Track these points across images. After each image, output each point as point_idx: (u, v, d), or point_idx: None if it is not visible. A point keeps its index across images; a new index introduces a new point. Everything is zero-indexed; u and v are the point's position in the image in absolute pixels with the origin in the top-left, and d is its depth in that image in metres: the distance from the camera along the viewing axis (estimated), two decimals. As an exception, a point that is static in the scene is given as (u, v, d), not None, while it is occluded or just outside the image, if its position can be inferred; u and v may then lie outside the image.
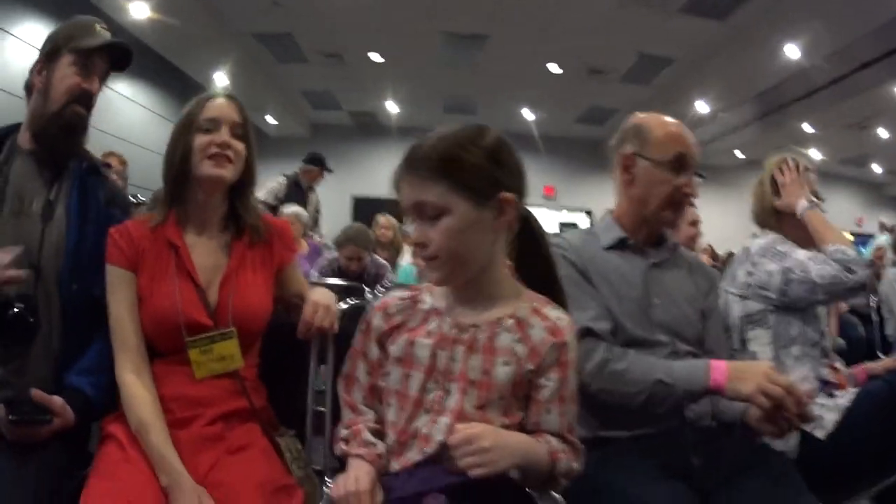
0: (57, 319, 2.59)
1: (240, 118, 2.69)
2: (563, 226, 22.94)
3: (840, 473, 2.96)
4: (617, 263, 2.83)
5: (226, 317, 2.56)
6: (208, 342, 2.51)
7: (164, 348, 2.54)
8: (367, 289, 5.84)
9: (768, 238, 3.45)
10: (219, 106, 2.67)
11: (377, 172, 22.24)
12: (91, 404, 2.49)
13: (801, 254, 3.31)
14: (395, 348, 2.09)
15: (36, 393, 2.30)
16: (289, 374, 2.78)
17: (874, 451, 2.97)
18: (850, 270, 3.17)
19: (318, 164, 9.95)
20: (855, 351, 7.37)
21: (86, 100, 2.75)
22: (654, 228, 2.92)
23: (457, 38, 14.59)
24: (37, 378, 2.47)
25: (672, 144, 2.83)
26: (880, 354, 7.24)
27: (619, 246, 2.89)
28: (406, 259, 7.85)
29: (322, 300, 2.71)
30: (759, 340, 3.32)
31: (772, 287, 3.33)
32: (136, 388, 2.42)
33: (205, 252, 2.64)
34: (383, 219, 9.05)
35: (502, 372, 2.00)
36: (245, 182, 2.74)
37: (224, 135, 2.61)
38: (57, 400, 2.36)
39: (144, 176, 5.70)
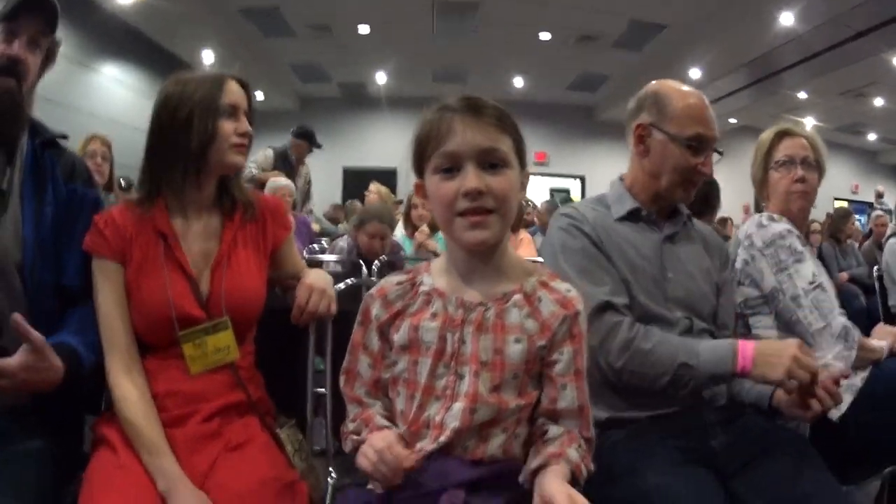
0: (24, 311, 2.28)
1: (248, 105, 2.62)
2: (554, 191, 22.99)
3: (852, 454, 2.90)
4: (630, 236, 2.73)
5: (219, 306, 2.46)
6: (202, 335, 2.41)
7: (155, 342, 2.43)
8: (363, 267, 5.69)
9: (775, 228, 3.29)
10: (237, 91, 2.56)
11: (367, 144, 22.36)
12: (78, 355, 2.30)
13: (806, 274, 3.20)
14: (398, 336, 2.01)
15: (16, 318, 2.07)
16: (286, 359, 2.72)
17: (887, 432, 2.91)
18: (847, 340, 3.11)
19: (306, 139, 9.74)
20: (856, 322, 7.35)
21: (13, 68, 2.38)
22: (666, 202, 2.82)
23: (448, 6, 14.54)
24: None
25: (691, 122, 2.71)
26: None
27: (632, 217, 2.79)
28: (399, 231, 7.77)
29: (317, 283, 2.64)
30: (762, 324, 3.25)
31: (761, 288, 3.27)
32: (128, 390, 2.31)
33: (195, 238, 2.52)
34: (373, 185, 8.97)
35: (515, 350, 1.94)
36: None
37: (245, 124, 2.55)
38: (36, 334, 2.09)
39: (133, 156, 5.65)
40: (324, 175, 17.73)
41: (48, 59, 2.54)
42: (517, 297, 1.99)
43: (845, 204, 21.66)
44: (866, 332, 6.16)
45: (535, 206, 12.54)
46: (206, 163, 2.47)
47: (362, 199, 10.23)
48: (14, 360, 2.08)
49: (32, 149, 2.50)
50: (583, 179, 23.65)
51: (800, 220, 3.48)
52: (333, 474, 2.69)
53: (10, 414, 2.21)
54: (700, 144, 2.71)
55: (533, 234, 9.74)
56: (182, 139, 2.43)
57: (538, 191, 22.32)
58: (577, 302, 2.01)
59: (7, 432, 2.19)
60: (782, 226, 3.28)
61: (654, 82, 2.90)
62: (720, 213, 14.26)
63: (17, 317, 2.08)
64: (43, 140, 2.54)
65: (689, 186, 2.77)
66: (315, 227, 10.19)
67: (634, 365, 2.45)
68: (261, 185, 8.17)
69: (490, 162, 1.90)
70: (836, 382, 2.43)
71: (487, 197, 1.87)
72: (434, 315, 1.99)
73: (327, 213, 16.51)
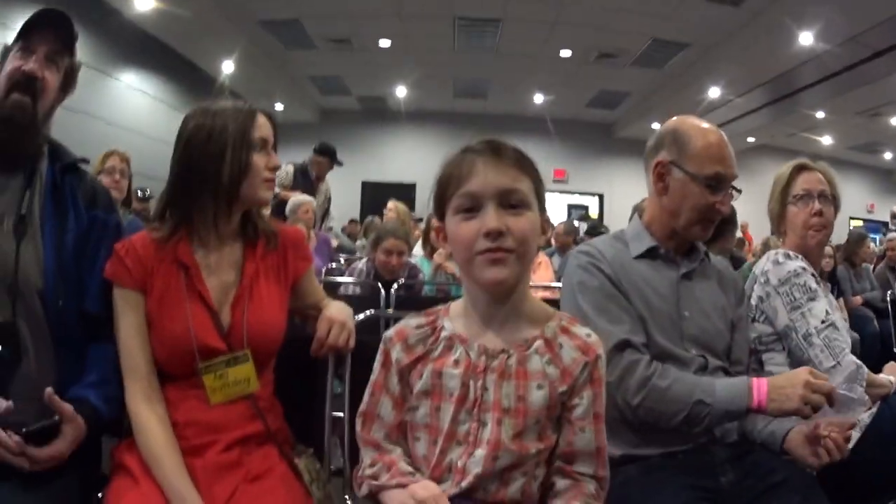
0: (48, 341, 2.37)
1: (274, 139, 2.61)
2: (572, 207, 23.04)
3: (859, 489, 2.90)
4: (647, 274, 2.75)
5: (240, 338, 2.45)
6: (222, 366, 2.41)
7: (175, 372, 2.42)
8: (382, 294, 5.64)
9: (791, 266, 3.30)
10: (266, 126, 2.56)
11: (386, 157, 22.42)
12: (99, 414, 2.32)
13: (818, 312, 3.18)
14: (421, 381, 2.02)
15: (49, 393, 2.15)
16: (304, 387, 2.74)
17: (890, 469, 2.90)
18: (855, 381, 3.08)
19: (327, 156, 9.64)
20: (869, 346, 7.32)
21: (28, 86, 2.39)
22: (683, 240, 2.83)
23: (469, 21, 14.58)
24: (40, 403, 2.24)
25: (711, 161, 2.72)
26: (896, 351, 7.19)
27: (650, 255, 2.81)
28: (418, 251, 7.74)
29: (337, 316, 2.64)
30: (775, 361, 3.24)
31: (774, 325, 3.26)
32: (149, 419, 2.30)
33: (216, 269, 2.51)
34: (391, 203, 8.97)
35: (537, 396, 1.95)
36: None
37: (275, 158, 2.57)
38: (67, 406, 2.19)
39: (153, 166, 5.63)
40: (343, 189, 17.74)
41: (67, 81, 2.53)
42: (538, 343, 2.00)
43: (861, 223, 21.63)
44: (879, 355, 6.09)
45: (552, 225, 12.54)
46: (237, 196, 2.46)
47: (382, 215, 10.20)
48: (66, 443, 2.19)
49: (53, 174, 2.49)
50: (601, 197, 23.65)
51: (816, 254, 3.50)
52: (348, 500, 2.69)
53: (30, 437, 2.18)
54: (719, 183, 2.73)
55: (550, 255, 9.70)
56: (214, 172, 2.41)
57: (557, 208, 22.36)
58: (598, 347, 2.02)
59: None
60: (797, 263, 3.29)
61: (674, 119, 2.90)
62: (738, 235, 14.29)
63: (50, 391, 2.15)
64: (63, 165, 2.52)
65: (707, 225, 2.79)
66: (334, 241, 10.17)
67: (652, 402, 2.48)
68: (282, 203, 8.15)
69: (510, 203, 1.91)
70: (847, 439, 2.50)
71: (507, 237, 1.87)
72: (457, 362, 2.00)
73: (345, 228, 16.57)
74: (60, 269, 2.40)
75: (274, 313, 2.56)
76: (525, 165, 1.97)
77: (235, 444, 2.36)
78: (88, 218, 2.51)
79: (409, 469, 1.99)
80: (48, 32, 2.43)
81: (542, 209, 2.00)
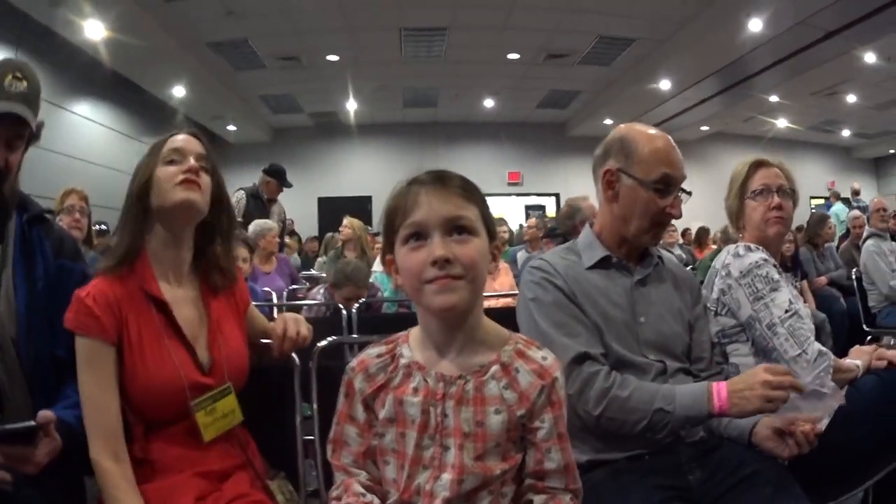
0: (22, 385, 2.38)
1: (204, 151, 2.57)
2: (529, 208, 23.06)
3: (831, 473, 2.94)
4: (601, 283, 2.78)
5: (222, 372, 2.47)
6: (211, 402, 2.41)
7: (161, 416, 2.39)
8: (344, 317, 5.66)
9: (751, 258, 3.29)
10: (183, 139, 2.55)
11: (341, 172, 22.38)
12: (72, 430, 2.27)
13: (781, 302, 3.19)
14: (384, 410, 2.04)
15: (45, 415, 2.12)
16: (271, 415, 2.76)
17: (864, 447, 2.95)
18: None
19: (276, 178, 9.61)
20: (838, 324, 7.42)
21: None
22: (634, 246, 2.87)
23: (415, 31, 14.61)
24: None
25: (658, 164, 2.77)
26: (865, 327, 7.28)
27: (602, 264, 2.84)
28: (377, 267, 7.76)
29: (288, 315, 2.70)
30: (739, 352, 3.29)
31: (738, 317, 3.29)
32: (117, 478, 2.24)
33: (182, 304, 2.50)
34: (346, 220, 8.97)
35: (495, 421, 1.97)
36: (220, 222, 2.63)
37: (189, 162, 2.49)
38: (46, 411, 2.14)
39: (108, 196, 5.64)
40: (299, 206, 17.75)
41: (31, 141, 2.57)
42: (495, 368, 2.01)
43: (822, 201, 21.79)
44: (848, 334, 6.14)
45: (510, 230, 12.62)
46: (156, 211, 2.46)
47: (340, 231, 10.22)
48: (41, 453, 2.14)
49: (21, 225, 2.52)
50: (557, 196, 23.66)
51: (776, 245, 3.51)
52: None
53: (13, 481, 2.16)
54: (668, 186, 2.77)
55: (517, 252, 9.83)
56: (130, 193, 2.48)
57: (513, 210, 22.38)
58: (555, 369, 2.04)
59: (11, 497, 2.17)
60: (758, 255, 3.30)
61: (621, 126, 2.95)
62: (697, 223, 14.37)
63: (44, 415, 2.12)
64: (31, 216, 2.56)
65: (657, 230, 2.84)
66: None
67: (612, 412, 2.51)
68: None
69: (457, 230, 1.93)
70: (817, 432, 2.55)
71: (455, 265, 1.89)
72: (416, 389, 2.01)
73: (304, 246, 16.54)
74: (31, 318, 2.42)
75: (242, 346, 2.61)
76: (471, 193, 1.99)
77: (215, 474, 2.37)
78: (56, 266, 2.55)
79: (361, 491, 2.03)
80: (5, 122, 2.43)
81: (492, 236, 2.02)
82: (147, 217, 2.46)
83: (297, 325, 2.67)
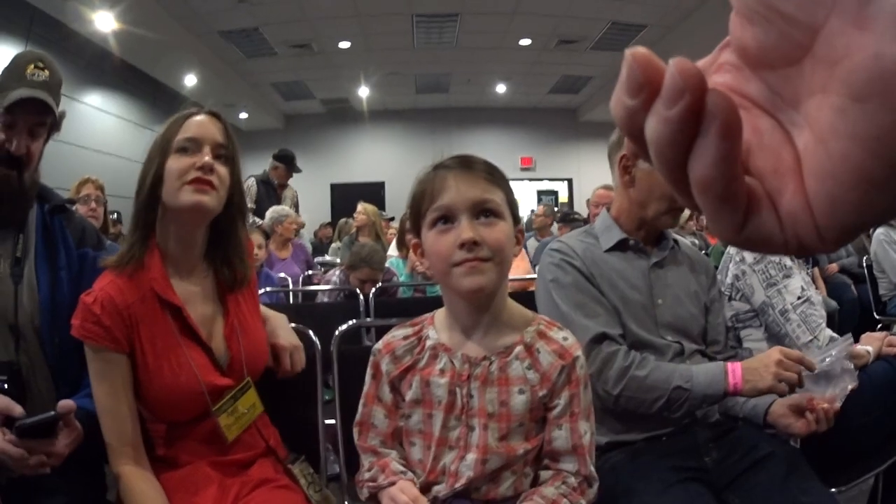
0: (46, 375, 2.39)
1: (223, 138, 2.34)
2: (541, 193, 22.99)
3: (842, 458, 2.97)
4: (619, 266, 2.80)
5: (241, 370, 2.40)
6: (231, 402, 2.36)
7: (180, 420, 2.34)
8: (361, 302, 5.64)
9: None
10: (199, 123, 2.32)
11: (353, 158, 22.34)
12: (94, 418, 2.23)
13: (794, 289, 3.24)
14: (411, 391, 2.06)
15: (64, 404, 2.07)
16: (292, 399, 2.74)
17: (876, 433, 2.98)
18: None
19: (285, 163, 9.57)
20: (848, 312, 7.41)
21: (13, 161, 2.40)
22: (652, 229, 2.88)
23: (427, 18, 14.58)
24: None
25: None
26: (876, 315, 7.27)
27: (620, 247, 2.86)
28: (392, 251, 7.75)
29: (287, 343, 2.61)
30: (753, 337, 3.30)
31: (751, 302, 3.31)
32: (139, 482, 2.20)
33: (197, 302, 2.39)
34: (360, 206, 8.95)
35: (519, 401, 2.00)
36: (233, 215, 2.44)
37: (205, 156, 2.26)
38: (66, 400, 2.09)
39: (122, 185, 5.67)
40: (312, 192, 17.74)
41: (53, 131, 2.56)
42: (518, 349, 2.04)
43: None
44: (859, 321, 6.10)
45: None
46: (166, 207, 2.29)
47: (353, 216, 10.19)
48: (62, 444, 2.12)
49: (42, 215, 2.53)
50: (570, 182, 23.63)
51: None
52: (347, 502, 2.75)
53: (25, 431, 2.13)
54: None
55: (528, 238, 9.80)
56: (142, 185, 2.29)
57: (526, 195, 22.35)
58: (575, 349, 2.07)
59: (33, 487, 2.21)
60: None
61: None
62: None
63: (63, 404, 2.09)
64: (52, 206, 2.55)
65: (675, 213, 2.84)
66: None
67: (631, 391, 2.53)
68: None
69: (484, 213, 1.95)
70: (835, 411, 2.57)
71: (483, 247, 1.91)
72: (442, 371, 2.04)
73: (318, 232, 16.52)
74: (55, 306, 2.41)
75: (261, 337, 2.55)
76: (496, 177, 2.01)
77: (237, 462, 2.37)
78: (79, 255, 2.54)
79: (401, 468, 2.06)
80: (29, 109, 2.41)
81: (516, 220, 2.04)
82: (158, 211, 2.31)
83: (299, 357, 2.63)
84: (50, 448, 2.09)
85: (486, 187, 1.96)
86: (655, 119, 0.46)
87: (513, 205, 2.04)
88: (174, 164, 2.25)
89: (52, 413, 2.07)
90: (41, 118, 2.46)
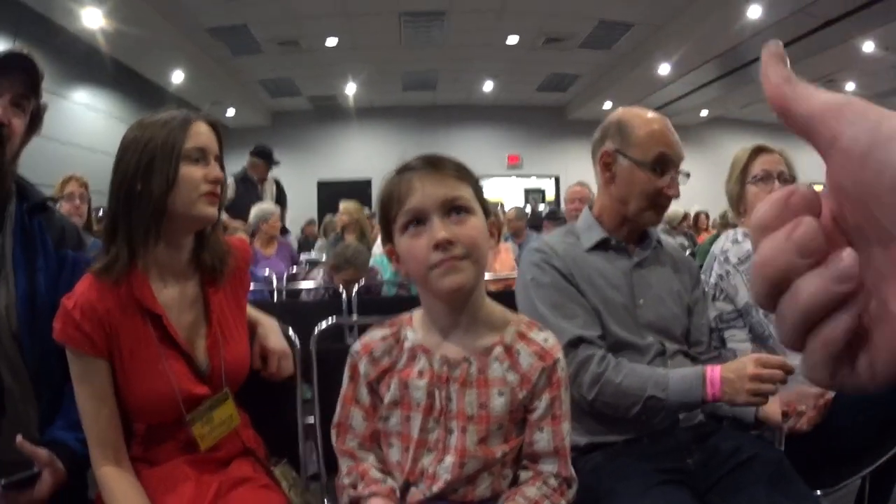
0: (26, 380, 2.32)
1: (219, 149, 2.36)
2: (528, 192, 23.03)
3: (826, 459, 2.95)
4: (600, 265, 2.79)
5: (219, 380, 2.36)
6: (207, 411, 2.32)
7: (158, 424, 2.32)
8: (344, 300, 5.64)
9: (749, 244, 3.31)
10: (206, 134, 2.31)
11: (340, 155, 22.34)
12: (78, 456, 2.25)
13: None
14: (389, 393, 2.05)
15: (20, 441, 2.09)
16: (269, 401, 2.70)
17: (860, 435, 2.96)
18: None
19: (262, 158, 9.59)
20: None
21: None
22: (635, 227, 2.87)
23: (414, 15, 14.59)
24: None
25: (654, 144, 2.76)
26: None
27: (602, 246, 2.84)
28: (377, 249, 7.72)
29: (276, 346, 2.60)
30: (737, 338, 3.30)
31: (735, 303, 3.30)
32: (119, 481, 2.19)
33: (179, 309, 2.35)
34: (342, 205, 8.92)
35: (499, 403, 1.99)
36: (218, 217, 2.41)
37: (216, 169, 2.29)
38: (42, 452, 2.13)
39: (109, 182, 5.65)
40: (298, 189, 17.67)
41: (34, 123, 2.48)
42: (498, 349, 2.03)
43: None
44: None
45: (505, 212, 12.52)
46: (172, 215, 2.24)
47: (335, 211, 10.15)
48: (45, 488, 2.14)
49: (21, 215, 2.45)
50: (557, 179, 23.66)
51: None
52: (328, 502, 2.75)
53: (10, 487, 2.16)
54: (664, 166, 2.77)
55: (504, 240, 9.74)
56: (144, 190, 2.20)
57: (513, 193, 22.38)
58: (556, 351, 2.06)
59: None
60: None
61: (618, 110, 2.95)
62: (695, 208, 14.38)
63: (20, 440, 2.10)
64: (31, 205, 2.48)
65: (657, 210, 2.83)
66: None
67: (606, 397, 2.52)
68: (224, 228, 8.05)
69: (454, 211, 1.93)
70: (826, 402, 2.67)
71: (457, 245, 1.89)
72: (421, 372, 2.03)
73: (304, 229, 16.49)
74: (33, 309, 2.35)
75: (243, 346, 2.51)
76: (462, 173, 1.99)
77: (216, 461, 2.35)
78: (58, 257, 2.47)
79: (380, 476, 2.05)
80: (14, 76, 2.36)
81: (487, 213, 2.02)
82: (164, 217, 2.23)
83: (288, 361, 2.61)
84: (33, 497, 2.13)
85: (453, 184, 1.95)
86: (819, 282, 0.51)
87: (482, 199, 2.02)
88: (191, 172, 2.24)
89: (36, 471, 2.13)
90: (25, 89, 2.40)
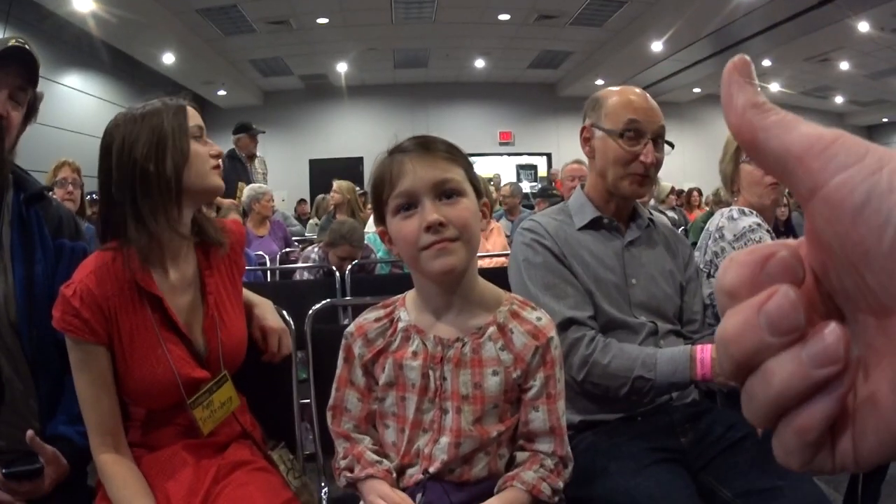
0: (26, 371, 2.33)
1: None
2: (520, 168, 23.02)
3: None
4: (592, 245, 2.78)
5: (218, 363, 2.37)
6: (207, 395, 2.33)
7: (158, 409, 2.33)
8: (338, 280, 5.63)
9: (745, 221, 3.33)
10: (196, 115, 2.36)
11: (332, 134, 22.32)
12: (81, 451, 2.29)
13: None
14: (384, 374, 2.06)
15: (31, 437, 2.14)
16: (269, 386, 2.71)
17: None
18: None
19: (245, 132, 9.55)
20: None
21: None
22: (621, 202, 2.86)
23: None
24: (24, 431, 2.22)
25: (624, 112, 2.75)
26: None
27: (594, 225, 2.83)
28: (370, 227, 7.71)
29: (275, 325, 2.61)
30: None
31: None
32: (118, 467, 2.20)
33: (178, 292, 2.35)
34: (335, 184, 8.90)
35: (493, 382, 1.99)
36: None
37: (215, 144, 2.38)
38: (49, 449, 2.20)
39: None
40: (291, 168, 17.68)
41: (30, 112, 2.49)
42: (491, 329, 2.03)
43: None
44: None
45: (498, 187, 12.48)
46: (187, 190, 2.27)
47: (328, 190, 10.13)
48: (48, 482, 2.20)
49: (18, 205, 2.45)
50: (549, 156, 23.64)
51: (770, 210, 3.54)
52: (324, 484, 2.77)
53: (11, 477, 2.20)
54: (636, 133, 2.74)
55: (498, 218, 9.71)
56: (158, 170, 2.21)
57: (506, 170, 22.34)
58: (549, 329, 2.06)
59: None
60: (752, 219, 3.33)
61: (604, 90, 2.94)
62: (688, 185, 14.36)
63: (31, 435, 2.15)
64: (29, 195, 2.48)
65: (635, 179, 2.78)
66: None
67: (594, 378, 2.52)
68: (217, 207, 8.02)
69: (445, 193, 1.93)
70: None
71: (449, 227, 1.90)
72: (415, 353, 2.03)
73: (296, 208, 16.47)
74: (32, 300, 2.36)
75: (241, 328, 2.51)
76: (454, 155, 1.99)
77: (214, 444, 2.36)
78: (55, 246, 2.47)
79: (376, 458, 2.05)
80: (11, 69, 2.36)
81: (479, 194, 2.02)
82: (179, 195, 2.26)
83: (287, 339, 2.63)
84: (35, 489, 2.19)
85: (445, 167, 1.95)
86: (795, 367, 0.45)
87: (474, 179, 2.02)
88: (200, 149, 2.32)
89: (39, 465, 2.18)
90: (24, 82, 2.41)
